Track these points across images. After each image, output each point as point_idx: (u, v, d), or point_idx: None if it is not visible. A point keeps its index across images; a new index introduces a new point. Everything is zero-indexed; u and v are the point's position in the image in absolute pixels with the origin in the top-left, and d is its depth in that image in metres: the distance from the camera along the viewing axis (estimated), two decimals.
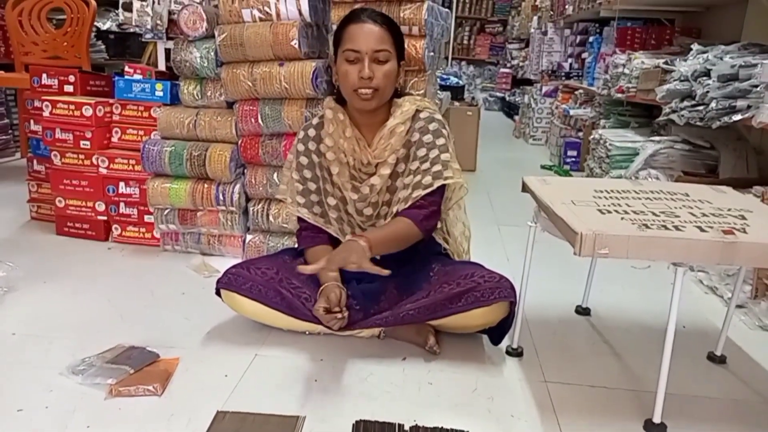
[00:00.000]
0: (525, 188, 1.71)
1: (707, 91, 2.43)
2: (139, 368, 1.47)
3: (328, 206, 1.70)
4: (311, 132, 1.73)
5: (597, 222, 1.34)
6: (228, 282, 1.64)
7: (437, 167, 1.64)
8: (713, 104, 2.36)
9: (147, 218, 2.38)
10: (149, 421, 1.30)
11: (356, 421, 1.32)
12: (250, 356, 1.58)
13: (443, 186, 1.66)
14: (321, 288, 1.59)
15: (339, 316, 1.50)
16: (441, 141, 1.66)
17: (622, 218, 1.38)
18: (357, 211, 1.67)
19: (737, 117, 2.25)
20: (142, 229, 2.41)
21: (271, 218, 2.20)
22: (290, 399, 1.40)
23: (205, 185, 2.20)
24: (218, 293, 1.68)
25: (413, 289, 1.65)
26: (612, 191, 1.60)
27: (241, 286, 1.63)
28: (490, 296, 1.54)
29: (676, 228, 1.32)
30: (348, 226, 1.71)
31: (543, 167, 4.62)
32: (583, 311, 1.94)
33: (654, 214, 1.42)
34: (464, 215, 1.92)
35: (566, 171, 4.39)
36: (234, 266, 1.67)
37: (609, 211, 1.43)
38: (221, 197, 2.18)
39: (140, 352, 1.55)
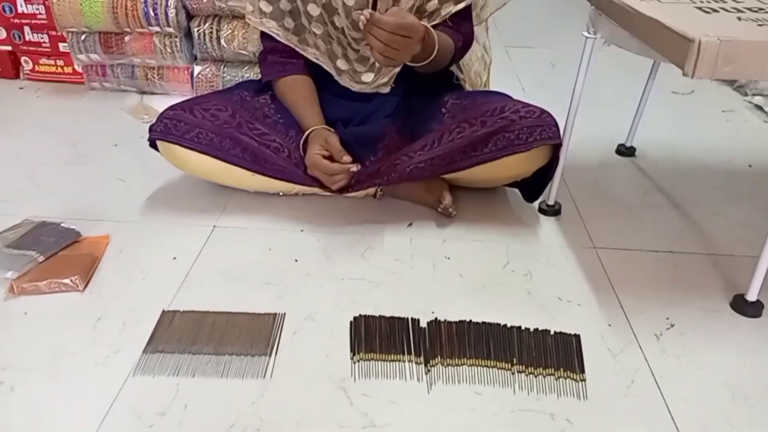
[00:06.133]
0: None
1: None
2: (52, 253, 1.08)
3: (309, 17, 1.19)
4: None
5: (709, 25, 0.88)
6: (165, 130, 1.18)
7: None
8: None
9: (63, 47, 1.83)
10: (67, 327, 0.94)
11: (355, 317, 0.97)
12: (206, 229, 1.19)
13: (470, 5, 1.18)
14: (308, 132, 1.16)
15: (353, 168, 1.10)
16: None
17: (739, 18, 0.92)
18: (351, 24, 1.16)
19: None
20: (59, 62, 1.87)
21: (222, 43, 1.67)
22: (263, 288, 1.04)
23: None
24: (154, 145, 1.23)
25: (420, 131, 1.22)
26: None
27: (184, 135, 1.17)
28: (528, 138, 1.12)
29: None
30: (338, 47, 1.21)
31: None
32: (626, 151, 1.55)
33: None
34: (485, 34, 1.43)
35: None
36: (171, 108, 1.20)
37: (714, 10, 0.96)
38: (152, 13, 1.62)
39: (54, 230, 1.14)
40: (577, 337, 0.94)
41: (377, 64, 1.21)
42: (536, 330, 0.95)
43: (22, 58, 1.90)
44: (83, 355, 0.89)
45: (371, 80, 1.23)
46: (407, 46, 0.97)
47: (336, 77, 1.22)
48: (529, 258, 1.14)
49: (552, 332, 0.95)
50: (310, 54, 1.22)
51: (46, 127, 1.62)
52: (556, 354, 0.91)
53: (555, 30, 2.72)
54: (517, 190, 1.31)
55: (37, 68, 1.90)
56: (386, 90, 1.23)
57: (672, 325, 0.98)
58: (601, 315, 1.00)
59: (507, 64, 2.26)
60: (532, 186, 1.25)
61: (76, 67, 1.84)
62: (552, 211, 1.28)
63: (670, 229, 1.25)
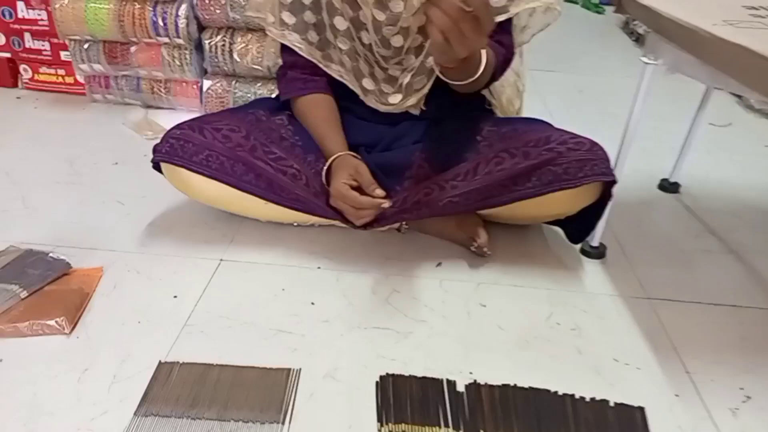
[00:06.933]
0: (625, 8, 1.10)
1: None
2: (37, 288, 0.95)
3: (335, 32, 1.07)
4: None
5: None
6: (171, 151, 1.06)
7: None
8: None
9: (64, 55, 1.72)
10: (47, 379, 0.81)
11: (381, 377, 0.84)
12: (211, 263, 1.06)
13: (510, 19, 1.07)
14: (333, 158, 1.04)
15: (385, 204, 0.97)
16: None
17: None
18: (380, 41, 1.05)
19: None
20: (61, 71, 1.76)
21: (235, 56, 1.56)
22: (275, 337, 0.91)
23: (137, 5, 1.52)
24: (157, 168, 1.11)
25: (453, 160, 1.09)
26: None
27: (192, 158, 1.05)
28: (578, 173, 1.00)
29: None
30: (365, 65, 1.09)
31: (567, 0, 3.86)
32: (670, 187, 1.43)
33: None
34: (519, 60, 1.32)
35: (596, 5, 3.65)
36: (179, 126, 1.08)
37: None
38: (161, 23, 1.51)
39: (41, 260, 1.01)
40: (642, 410, 0.81)
41: (404, 84, 1.09)
42: (593, 400, 0.82)
43: (21, 66, 1.79)
44: (64, 417, 0.75)
45: (398, 101, 1.11)
46: (477, 31, 0.76)
47: (362, 97, 1.11)
48: (575, 309, 1.01)
49: (612, 403, 0.82)
50: (335, 71, 1.10)
51: (42, 141, 1.50)
52: (619, 430, 0.78)
53: (579, 54, 2.61)
54: (556, 228, 1.18)
55: (36, 77, 1.79)
56: (416, 112, 1.11)
57: (748, 398, 0.85)
58: (665, 382, 0.87)
59: (532, 88, 2.14)
60: (578, 225, 1.12)
61: (77, 77, 1.73)
62: (596, 253, 1.15)
63: (730, 278, 1.12)
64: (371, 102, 1.11)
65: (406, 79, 1.07)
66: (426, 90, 1.09)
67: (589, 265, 1.13)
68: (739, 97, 2.09)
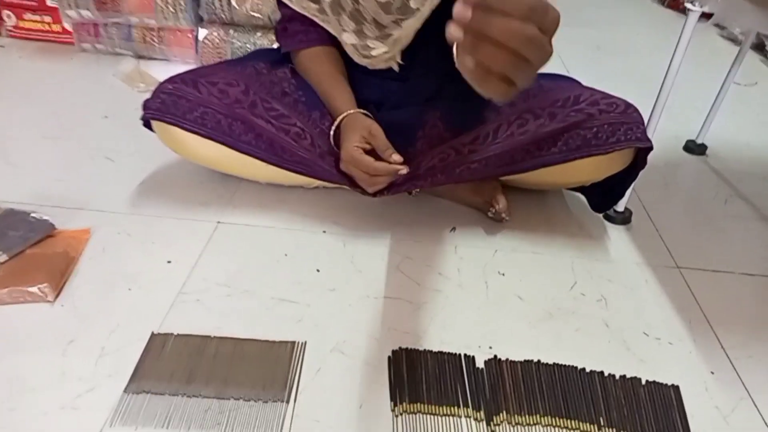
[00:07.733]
0: None
1: None
2: (18, 252, 0.87)
3: None
4: None
5: None
6: (163, 108, 0.95)
7: None
8: None
9: (51, 1, 1.61)
10: (29, 353, 0.74)
11: (394, 351, 0.77)
12: (208, 226, 0.98)
13: None
14: (342, 117, 0.94)
15: (403, 170, 0.88)
16: None
17: None
18: None
19: None
20: (47, 18, 1.65)
21: (234, 3, 1.45)
22: (278, 306, 0.84)
23: None
24: (148, 125, 1.01)
25: (470, 120, 1.00)
26: None
27: (186, 116, 0.95)
28: (609, 138, 0.91)
29: None
30: (351, 20, 0.97)
31: None
32: (696, 149, 1.35)
33: None
34: None
35: None
36: (172, 80, 0.97)
37: None
38: None
39: (23, 220, 0.93)
40: (676, 388, 0.75)
41: (394, 39, 0.97)
42: (624, 377, 0.76)
43: (4, 12, 1.67)
44: (47, 394, 0.69)
45: (379, 54, 0.99)
46: (543, 48, 0.40)
47: (348, 52, 0.99)
48: (600, 278, 0.94)
49: (644, 381, 0.75)
50: (333, 25, 0.99)
51: (27, 94, 1.40)
52: (653, 411, 0.72)
53: (594, 8, 2.48)
54: (578, 194, 1.10)
55: (20, 24, 1.67)
56: (394, 65, 0.99)
57: None
58: (699, 358, 0.80)
59: None
60: (604, 193, 1.04)
61: (65, 24, 1.62)
62: (621, 218, 1.07)
63: (764, 246, 1.05)
64: (356, 58, 1.00)
65: (396, 33, 0.95)
66: (405, 43, 0.97)
67: (613, 231, 1.06)
68: (765, 55, 1.98)
